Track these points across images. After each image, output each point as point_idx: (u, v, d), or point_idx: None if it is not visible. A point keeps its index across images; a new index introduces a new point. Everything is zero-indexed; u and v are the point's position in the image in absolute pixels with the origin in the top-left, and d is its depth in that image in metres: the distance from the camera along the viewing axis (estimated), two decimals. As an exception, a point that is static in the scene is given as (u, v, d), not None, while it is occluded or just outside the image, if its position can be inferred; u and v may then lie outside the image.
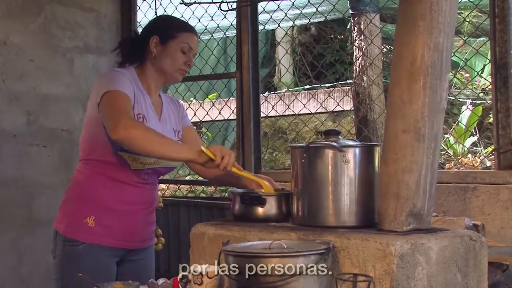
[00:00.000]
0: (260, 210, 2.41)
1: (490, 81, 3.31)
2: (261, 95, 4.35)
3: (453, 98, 6.16)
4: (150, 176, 2.77)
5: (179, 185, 5.86)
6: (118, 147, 2.62)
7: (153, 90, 2.79)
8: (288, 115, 5.79)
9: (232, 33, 4.54)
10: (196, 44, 2.81)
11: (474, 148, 6.78)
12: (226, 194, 6.14)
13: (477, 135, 6.69)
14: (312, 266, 1.91)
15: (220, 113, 5.08)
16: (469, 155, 6.62)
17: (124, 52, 2.84)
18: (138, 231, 2.79)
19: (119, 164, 2.67)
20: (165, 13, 2.96)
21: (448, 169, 5.72)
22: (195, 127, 3.17)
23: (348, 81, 6.87)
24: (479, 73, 5.73)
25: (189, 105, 5.42)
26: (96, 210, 2.70)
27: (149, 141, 2.49)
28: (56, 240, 2.75)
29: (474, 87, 7.28)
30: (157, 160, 2.71)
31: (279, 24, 4.85)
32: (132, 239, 2.77)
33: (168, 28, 2.78)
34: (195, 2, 4.40)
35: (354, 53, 5.64)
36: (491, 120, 5.28)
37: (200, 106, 5.26)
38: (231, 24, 4.48)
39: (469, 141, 6.70)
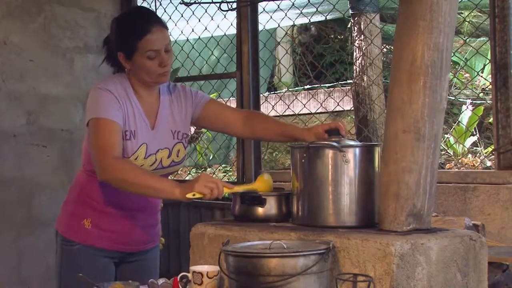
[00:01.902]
0: (260, 210, 2.41)
1: (490, 81, 3.31)
2: (261, 95, 4.35)
3: (453, 98, 6.16)
4: None
5: (179, 185, 5.84)
6: None
7: (147, 94, 2.69)
8: (288, 115, 5.79)
9: (232, 33, 4.54)
10: (160, 39, 2.59)
11: (474, 148, 6.78)
12: (226, 194, 6.12)
13: (477, 135, 6.68)
14: (312, 266, 1.91)
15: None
16: (469, 155, 6.62)
17: (109, 63, 2.76)
18: (137, 234, 2.76)
19: None
20: (120, 16, 2.69)
21: (448, 169, 5.72)
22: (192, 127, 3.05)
23: (348, 81, 6.87)
24: (479, 73, 5.73)
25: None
26: (93, 212, 2.69)
27: (128, 185, 2.47)
28: (56, 240, 2.77)
29: (474, 87, 7.27)
30: (154, 172, 2.66)
31: (279, 24, 4.85)
32: (130, 242, 2.75)
33: (125, 41, 2.61)
34: (195, 2, 4.40)
35: (354, 53, 5.64)
36: (491, 120, 5.28)
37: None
38: (231, 24, 4.48)
39: (469, 141, 6.70)
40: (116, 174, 2.47)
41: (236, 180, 4.36)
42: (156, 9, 4.74)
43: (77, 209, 2.73)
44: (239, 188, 2.54)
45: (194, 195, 2.37)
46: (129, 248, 2.76)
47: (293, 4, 4.33)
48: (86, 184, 2.72)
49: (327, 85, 7.49)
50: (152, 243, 2.85)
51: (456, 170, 4.64)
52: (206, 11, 4.59)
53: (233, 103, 4.66)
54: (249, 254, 1.97)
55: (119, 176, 2.47)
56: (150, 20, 2.62)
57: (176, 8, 4.77)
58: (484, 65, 5.56)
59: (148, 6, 4.77)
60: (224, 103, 3.00)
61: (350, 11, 5.58)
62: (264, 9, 4.27)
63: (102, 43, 2.75)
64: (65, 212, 2.77)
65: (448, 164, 6.30)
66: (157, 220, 2.86)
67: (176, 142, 2.72)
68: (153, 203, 2.80)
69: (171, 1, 4.78)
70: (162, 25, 2.64)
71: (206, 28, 4.73)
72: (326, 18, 4.82)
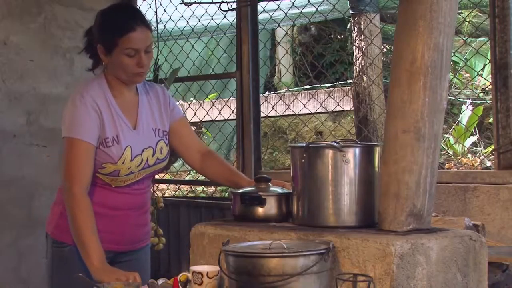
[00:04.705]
0: (260, 210, 2.41)
1: (490, 81, 3.31)
2: (261, 95, 4.35)
3: (453, 98, 6.16)
4: (138, 183, 2.71)
5: (179, 185, 5.86)
6: (95, 169, 2.60)
7: (126, 90, 2.69)
8: (288, 115, 5.80)
9: (232, 32, 4.54)
10: (141, 39, 2.58)
11: (474, 148, 6.78)
12: (226, 194, 6.14)
13: (477, 135, 6.68)
14: (312, 266, 1.91)
15: (220, 113, 5.08)
16: (469, 155, 6.62)
17: (88, 54, 2.75)
18: (127, 234, 2.73)
19: (101, 181, 2.64)
20: (106, 9, 2.73)
21: (448, 169, 5.72)
22: (193, 126, 3.08)
23: (348, 81, 6.87)
24: (479, 73, 5.73)
25: (189, 105, 5.43)
26: None
27: (72, 224, 2.53)
28: (47, 241, 2.76)
29: (474, 87, 7.27)
30: (138, 173, 2.66)
31: (279, 24, 4.86)
32: (121, 241, 2.73)
33: (107, 35, 2.61)
34: (195, 2, 4.41)
35: (354, 53, 5.63)
36: (491, 120, 5.28)
37: (200, 106, 5.26)
38: (231, 24, 4.48)
39: (469, 141, 6.70)
40: (73, 208, 2.53)
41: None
42: (156, 9, 4.73)
43: (66, 210, 2.70)
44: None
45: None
46: (120, 248, 2.74)
47: (293, 4, 4.33)
48: None
49: (327, 85, 7.49)
50: (142, 242, 2.83)
51: (456, 170, 4.65)
52: (206, 11, 4.59)
53: (233, 103, 4.66)
54: (249, 254, 1.97)
55: (73, 212, 2.53)
56: (136, 19, 2.61)
57: (176, 8, 4.77)
58: (484, 65, 5.56)
59: (148, 6, 4.78)
60: (191, 128, 2.98)
61: (350, 11, 5.58)
62: (264, 9, 4.27)
63: (84, 33, 2.74)
64: (55, 213, 2.75)
65: (448, 164, 6.30)
66: (146, 220, 2.84)
67: (158, 140, 2.71)
68: (142, 203, 2.78)
69: (171, 1, 4.78)
70: (147, 26, 2.63)
71: (206, 28, 4.73)
72: (326, 18, 4.82)
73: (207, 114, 5.12)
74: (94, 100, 2.61)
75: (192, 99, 5.79)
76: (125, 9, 2.75)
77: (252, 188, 2.50)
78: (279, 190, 2.46)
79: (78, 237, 2.52)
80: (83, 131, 2.56)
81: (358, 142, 2.43)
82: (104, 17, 2.68)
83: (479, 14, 5.65)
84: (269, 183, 2.48)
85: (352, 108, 6.21)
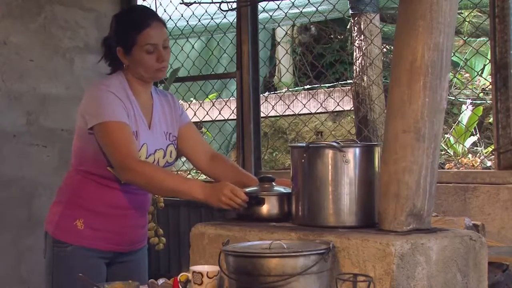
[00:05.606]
0: (260, 210, 2.41)
1: (490, 81, 3.31)
2: (261, 95, 4.35)
3: (453, 98, 6.15)
4: None
5: (179, 185, 5.84)
6: (107, 162, 2.61)
7: (143, 92, 2.73)
8: (288, 115, 5.79)
9: (232, 32, 4.54)
10: (159, 34, 2.65)
11: (474, 148, 6.77)
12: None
13: (477, 135, 6.68)
14: (312, 266, 1.91)
15: (220, 113, 5.08)
16: (469, 155, 6.61)
17: (107, 62, 2.77)
18: (128, 234, 2.76)
19: (109, 177, 2.65)
20: (119, 13, 2.82)
21: (448, 169, 5.71)
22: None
23: (348, 81, 6.86)
24: (479, 73, 5.73)
25: (189, 105, 5.43)
26: (86, 213, 2.68)
27: (154, 188, 2.60)
28: (46, 241, 2.76)
29: (474, 87, 7.27)
30: None
31: (279, 24, 4.85)
32: (122, 242, 2.75)
33: (125, 35, 2.66)
34: (195, 2, 4.41)
35: (354, 53, 5.63)
36: (491, 120, 5.28)
37: (200, 106, 5.26)
38: (231, 24, 4.48)
39: (469, 141, 6.69)
40: (142, 177, 2.52)
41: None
42: (156, 9, 4.74)
43: (68, 210, 2.71)
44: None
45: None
46: (121, 248, 2.76)
47: (293, 4, 4.33)
48: (79, 184, 2.71)
49: (327, 85, 7.48)
50: (141, 244, 2.86)
51: (456, 170, 4.64)
52: (206, 11, 4.59)
53: (233, 103, 4.66)
54: (249, 254, 1.97)
55: (144, 179, 2.53)
56: (150, 16, 2.70)
57: (176, 8, 4.77)
58: (484, 65, 5.56)
59: (148, 6, 4.78)
60: (199, 131, 2.99)
61: (350, 11, 5.57)
62: (264, 9, 4.27)
63: (101, 42, 2.78)
64: (55, 213, 2.75)
65: (448, 164, 6.30)
66: (145, 221, 2.87)
67: (168, 144, 2.76)
68: (144, 203, 2.80)
69: (171, 1, 4.78)
70: (161, 21, 2.71)
71: (206, 28, 4.73)
72: (326, 18, 4.82)
73: (207, 114, 5.12)
74: (118, 92, 2.64)
75: (192, 99, 5.79)
76: (138, 8, 2.84)
77: (255, 188, 2.50)
78: (281, 189, 2.46)
79: (169, 191, 2.58)
80: (113, 114, 2.58)
81: (358, 142, 2.43)
82: (119, 20, 2.75)
83: (479, 14, 5.65)
84: (273, 183, 2.48)
85: (352, 108, 6.20)
